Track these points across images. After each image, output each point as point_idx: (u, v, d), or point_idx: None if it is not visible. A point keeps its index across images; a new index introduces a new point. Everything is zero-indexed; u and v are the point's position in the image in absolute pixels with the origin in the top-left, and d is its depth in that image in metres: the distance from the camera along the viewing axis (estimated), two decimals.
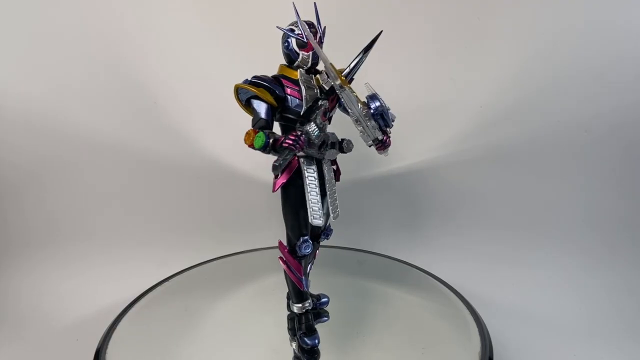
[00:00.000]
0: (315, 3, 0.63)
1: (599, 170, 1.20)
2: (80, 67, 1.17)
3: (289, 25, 0.64)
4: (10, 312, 0.93)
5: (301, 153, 0.64)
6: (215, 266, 1.02)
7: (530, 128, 1.21)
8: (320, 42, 0.64)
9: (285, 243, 0.70)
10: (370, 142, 0.64)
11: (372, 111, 0.63)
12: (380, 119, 0.63)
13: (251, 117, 0.63)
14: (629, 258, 1.11)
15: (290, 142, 0.59)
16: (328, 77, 0.63)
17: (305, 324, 0.70)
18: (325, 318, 0.77)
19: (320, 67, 0.66)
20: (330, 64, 0.62)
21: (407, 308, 0.86)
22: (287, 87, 0.64)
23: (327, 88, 0.65)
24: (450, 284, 0.90)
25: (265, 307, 0.82)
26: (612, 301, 0.96)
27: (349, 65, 0.66)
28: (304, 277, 0.69)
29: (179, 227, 1.24)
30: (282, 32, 0.65)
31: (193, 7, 1.18)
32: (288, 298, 0.76)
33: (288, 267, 0.68)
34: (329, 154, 0.67)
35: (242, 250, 1.09)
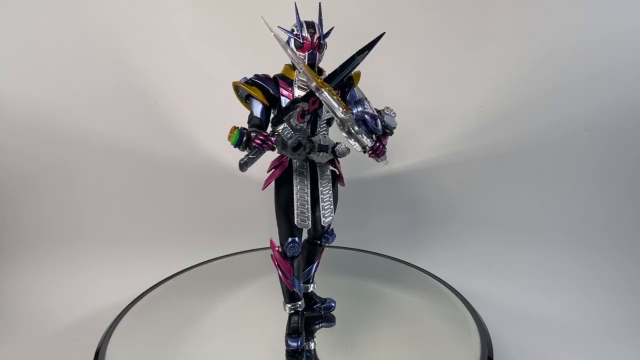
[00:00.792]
0: (320, 3, 0.63)
1: (600, 170, 1.20)
2: (80, 67, 1.17)
3: (293, 25, 0.64)
4: (10, 312, 0.93)
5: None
6: (215, 266, 1.02)
7: (531, 128, 1.21)
8: (319, 44, 0.63)
9: (277, 243, 0.70)
10: (359, 148, 0.62)
11: (354, 116, 0.60)
12: (362, 125, 0.60)
13: None
14: (630, 258, 1.11)
15: (259, 141, 0.59)
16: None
17: (292, 325, 0.70)
18: (328, 323, 0.77)
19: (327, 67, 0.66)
20: (305, 65, 0.61)
21: (407, 308, 0.86)
22: (282, 87, 0.64)
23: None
24: (450, 284, 0.91)
25: (265, 307, 0.82)
26: (612, 301, 0.96)
27: (337, 68, 0.64)
28: (294, 278, 0.69)
29: (179, 227, 1.24)
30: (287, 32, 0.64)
31: (194, 7, 1.18)
32: None
33: (279, 266, 0.69)
34: (319, 157, 0.65)
35: (242, 250, 1.09)
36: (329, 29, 0.64)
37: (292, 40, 0.63)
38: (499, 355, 0.70)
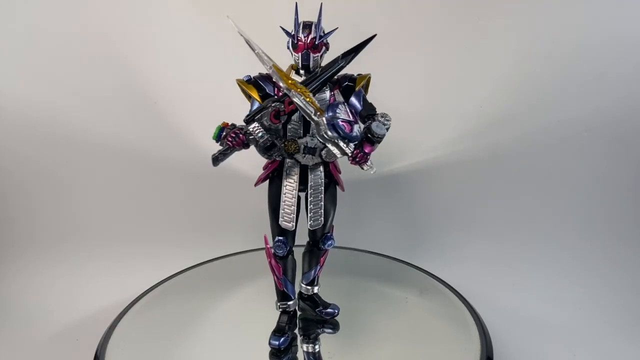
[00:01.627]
0: (321, 3, 0.63)
1: (600, 170, 1.20)
2: (80, 67, 1.17)
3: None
4: (10, 312, 0.93)
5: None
6: (214, 266, 1.02)
7: (531, 128, 1.21)
8: (314, 44, 0.62)
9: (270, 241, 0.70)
10: (339, 154, 0.59)
11: (325, 121, 0.57)
12: (333, 130, 0.56)
13: None
14: (630, 258, 1.11)
15: (230, 138, 0.60)
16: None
17: (279, 323, 0.70)
18: (330, 330, 0.76)
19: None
20: (274, 64, 0.61)
21: (407, 308, 0.86)
22: (277, 87, 0.64)
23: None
24: (450, 284, 0.91)
25: (265, 307, 0.81)
26: (612, 301, 0.96)
27: (317, 70, 0.64)
28: (284, 277, 0.69)
29: (179, 227, 1.24)
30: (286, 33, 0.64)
31: (194, 6, 1.18)
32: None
33: (270, 264, 0.69)
34: (304, 159, 0.65)
35: (241, 250, 1.09)
36: (332, 30, 0.64)
37: (290, 41, 0.63)
38: (499, 355, 0.70)
